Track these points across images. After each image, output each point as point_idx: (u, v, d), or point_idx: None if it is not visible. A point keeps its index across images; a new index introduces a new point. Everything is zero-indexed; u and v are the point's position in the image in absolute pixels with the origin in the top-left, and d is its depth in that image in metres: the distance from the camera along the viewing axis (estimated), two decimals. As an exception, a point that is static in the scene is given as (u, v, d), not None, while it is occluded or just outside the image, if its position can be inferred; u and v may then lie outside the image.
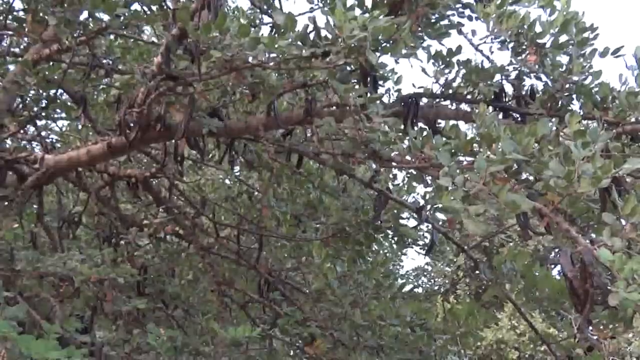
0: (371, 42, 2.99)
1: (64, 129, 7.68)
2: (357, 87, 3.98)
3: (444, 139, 3.57)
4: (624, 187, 3.88)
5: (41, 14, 3.36)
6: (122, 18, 3.47)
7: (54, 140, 7.06)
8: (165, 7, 5.04)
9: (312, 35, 3.28)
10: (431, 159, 3.55)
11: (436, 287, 19.23)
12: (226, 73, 3.64)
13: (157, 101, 4.65)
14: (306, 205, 6.38)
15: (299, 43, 3.25)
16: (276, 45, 3.26)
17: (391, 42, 3.17)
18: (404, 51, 3.43)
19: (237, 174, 6.87)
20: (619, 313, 2.81)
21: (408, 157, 3.70)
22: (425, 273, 21.43)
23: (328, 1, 5.05)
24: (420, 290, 20.61)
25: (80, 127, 7.07)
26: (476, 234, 4.81)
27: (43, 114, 5.66)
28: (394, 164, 3.81)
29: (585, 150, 3.09)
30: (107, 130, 6.02)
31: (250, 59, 3.46)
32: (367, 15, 3.04)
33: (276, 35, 3.46)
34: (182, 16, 3.71)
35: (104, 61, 5.90)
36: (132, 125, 4.98)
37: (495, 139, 3.32)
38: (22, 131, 6.17)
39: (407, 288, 5.86)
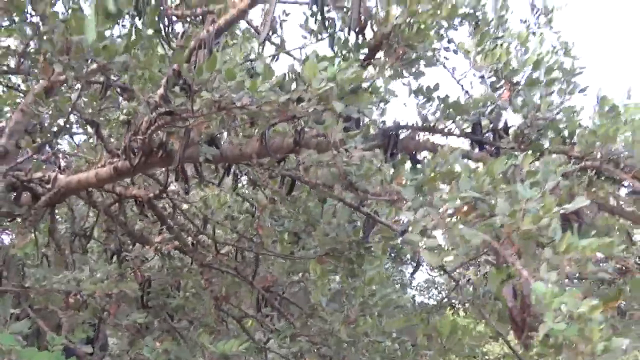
0: (338, 93, 3.34)
1: (80, 141, 8.10)
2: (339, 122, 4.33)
3: (413, 172, 3.91)
4: (582, 220, 4.21)
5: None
6: (122, 63, 3.84)
7: (68, 157, 7.48)
8: (167, 40, 5.43)
9: (290, 82, 3.65)
10: (400, 193, 3.89)
11: (445, 300, 19.40)
12: (216, 112, 4.00)
13: (158, 131, 5.04)
14: (306, 222, 6.73)
15: (278, 89, 3.61)
16: (257, 90, 3.63)
17: (363, 89, 3.51)
18: (375, 98, 3.77)
19: (242, 191, 7.24)
20: (550, 340, 3.11)
21: (381, 190, 4.03)
22: (435, 285, 21.62)
23: (319, 37, 5.40)
24: (430, 302, 20.82)
25: (93, 144, 7.49)
26: (432, 265, 5.11)
27: (58, 138, 6.07)
28: (369, 196, 4.14)
29: (532, 190, 3.40)
30: (118, 149, 6.43)
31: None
32: (338, 64, 3.39)
33: (260, 78, 3.82)
34: (178, 59, 4.08)
35: (117, 81, 6.31)
36: (136, 151, 5.38)
37: (454, 177, 3.66)
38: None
39: (393, 305, 6.14)
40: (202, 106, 4.13)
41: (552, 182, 3.62)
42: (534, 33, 7.36)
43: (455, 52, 5.44)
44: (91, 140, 7.70)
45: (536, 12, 7.38)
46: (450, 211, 3.54)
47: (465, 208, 3.67)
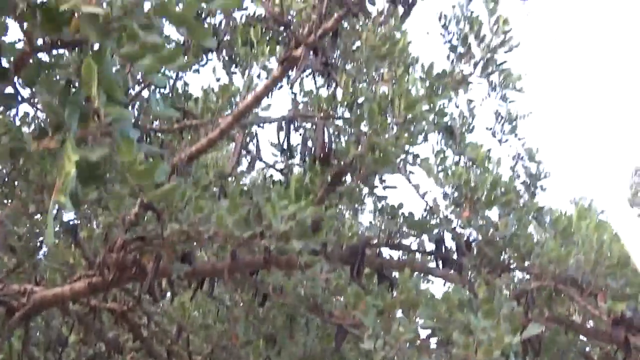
0: (298, 231, 3.54)
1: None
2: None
3: (374, 296, 4.06)
4: (541, 339, 4.35)
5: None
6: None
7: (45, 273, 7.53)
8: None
9: (255, 216, 3.84)
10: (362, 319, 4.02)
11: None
12: (185, 240, 4.17)
13: (132, 250, 5.19)
14: (283, 325, 6.78)
15: (243, 224, 3.79)
16: (224, 224, 3.81)
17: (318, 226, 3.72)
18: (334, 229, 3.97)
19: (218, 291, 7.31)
20: None
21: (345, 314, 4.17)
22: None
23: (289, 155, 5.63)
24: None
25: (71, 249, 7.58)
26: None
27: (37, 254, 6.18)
28: (333, 319, 4.27)
29: (487, 320, 3.56)
30: (95, 255, 6.53)
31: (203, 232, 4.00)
32: (298, 204, 3.59)
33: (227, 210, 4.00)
34: (148, 189, 4.27)
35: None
36: (110, 267, 5.51)
37: (414, 305, 3.81)
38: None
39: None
40: (172, 233, 4.30)
41: (507, 309, 3.78)
42: (499, 141, 7.71)
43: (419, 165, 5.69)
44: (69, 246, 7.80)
45: (501, 120, 7.74)
46: (408, 340, 3.68)
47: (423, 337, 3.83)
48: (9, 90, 1.95)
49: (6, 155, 2.25)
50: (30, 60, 1.97)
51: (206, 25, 5.79)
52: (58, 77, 2.08)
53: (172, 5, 1.86)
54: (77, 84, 2.07)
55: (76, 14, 1.83)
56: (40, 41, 1.99)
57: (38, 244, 5.81)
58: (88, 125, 1.92)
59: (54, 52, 2.05)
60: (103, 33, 1.78)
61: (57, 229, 7.03)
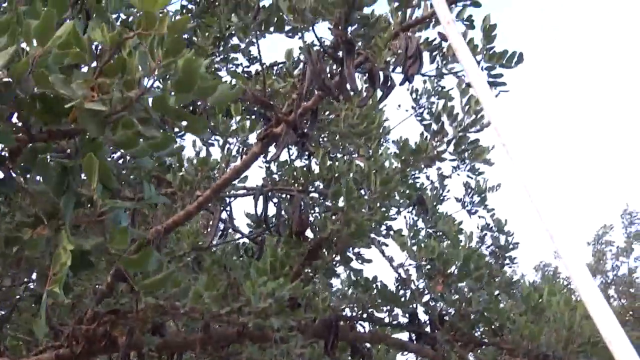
0: (276, 308, 3.55)
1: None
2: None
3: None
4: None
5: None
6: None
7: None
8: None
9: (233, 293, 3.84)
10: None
11: None
12: (160, 315, 4.14)
13: (103, 322, 5.10)
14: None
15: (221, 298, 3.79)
16: (201, 300, 3.80)
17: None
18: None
19: None
20: None
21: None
22: None
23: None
24: None
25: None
26: None
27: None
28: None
29: (463, 399, 3.59)
30: (62, 324, 6.38)
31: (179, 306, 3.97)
32: (277, 281, 3.62)
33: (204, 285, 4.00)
34: (124, 263, 4.24)
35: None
36: (79, 338, 5.39)
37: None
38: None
39: None
40: (147, 307, 4.26)
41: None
42: (469, 212, 7.82)
43: (392, 237, 5.75)
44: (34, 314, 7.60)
45: (470, 192, 7.87)
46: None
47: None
48: (5, 176, 1.97)
49: (1, 244, 2.24)
50: (26, 148, 2.00)
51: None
52: (52, 162, 2.11)
53: (169, 100, 1.92)
54: (71, 170, 2.10)
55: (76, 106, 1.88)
56: (37, 128, 2.02)
57: (6, 315, 5.68)
58: (82, 212, 1.95)
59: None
60: (102, 126, 1.83)
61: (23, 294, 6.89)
